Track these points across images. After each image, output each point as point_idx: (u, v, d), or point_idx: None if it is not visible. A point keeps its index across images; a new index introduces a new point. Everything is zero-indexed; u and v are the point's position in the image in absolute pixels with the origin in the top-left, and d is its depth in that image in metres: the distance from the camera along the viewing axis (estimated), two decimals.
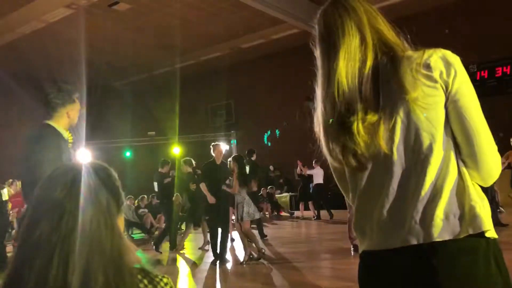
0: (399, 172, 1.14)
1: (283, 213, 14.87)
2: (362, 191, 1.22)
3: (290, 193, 15.19)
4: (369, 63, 1.18)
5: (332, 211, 12.18)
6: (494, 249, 1.09)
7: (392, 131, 1.14)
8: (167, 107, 18.35)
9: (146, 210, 12.01)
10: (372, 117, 1.15)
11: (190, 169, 8.30)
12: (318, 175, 12.02)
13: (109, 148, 16.46)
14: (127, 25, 13.03)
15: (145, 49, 15.18)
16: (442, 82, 1.12)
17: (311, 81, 1.30)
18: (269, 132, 16.39)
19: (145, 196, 12.51)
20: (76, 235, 0.87)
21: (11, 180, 9.80)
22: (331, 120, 1.19)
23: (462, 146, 1.14)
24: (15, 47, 13.09)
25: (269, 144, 15.62)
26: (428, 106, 1.11)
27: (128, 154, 15.56)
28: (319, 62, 1.28)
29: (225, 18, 13.11)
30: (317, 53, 1.29)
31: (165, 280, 0.98)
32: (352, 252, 6.41)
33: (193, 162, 8.48)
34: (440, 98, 1.12)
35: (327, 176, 11.98)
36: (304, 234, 10.69)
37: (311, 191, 12.49)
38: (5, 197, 8.50)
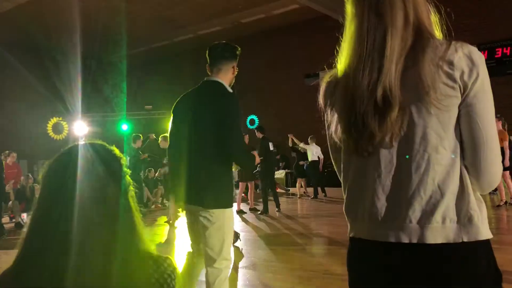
0: (399, 166, 1.11)
1: (278, 190, 14.97)
2: (356, 176, 1.19)
3: (286, 170, 15.28)
4: (409, 44, 1.10)
5: (329, 189, 12.25)
6: (485, 249, 1.08)
7: (401, 124, 1.09)
8: (164, 81, 18.21)
9: (142, 184, 12.05)
10: (401, 109, 1.09)
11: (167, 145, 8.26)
12: (313, 152, 11.88)
13: (105, 121, 16.39)
14: None
15: (142, 21, 14.96)
16: (461, 83, 1.06)
17: (335, 51, 1.20)
18: (250, 117, 16.36)
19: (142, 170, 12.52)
20: (85, 220, 0.88)
21: (7, 151, 9.78)
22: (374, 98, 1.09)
23: (467, 153, 1.10)
24: (11, 16, 12.88)
25: (251, 127, 15.49)
26: (442, 107, 1.06)
27: (125, 127, 15.49)
28: (356, 23, 1.16)
29: None
30: (353, 12, 1.17)
31: (168, 261, 1.01)
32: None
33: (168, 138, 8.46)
34: (456, 100, 1.07)
35: (324, 153, 11.97)
36: (300, 210, 10.79)
37: (305, 168, 12.31)
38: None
